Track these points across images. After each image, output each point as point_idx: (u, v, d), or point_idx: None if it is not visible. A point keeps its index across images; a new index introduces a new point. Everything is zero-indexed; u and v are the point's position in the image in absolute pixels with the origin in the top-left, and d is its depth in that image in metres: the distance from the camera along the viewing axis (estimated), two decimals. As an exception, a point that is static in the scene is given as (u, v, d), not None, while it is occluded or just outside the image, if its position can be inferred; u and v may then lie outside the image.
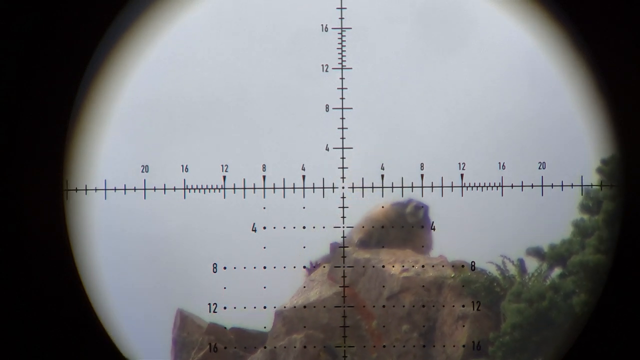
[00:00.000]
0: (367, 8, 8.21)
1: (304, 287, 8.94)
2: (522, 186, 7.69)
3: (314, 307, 8.69)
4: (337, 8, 7.62)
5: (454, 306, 8.56)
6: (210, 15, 8.18)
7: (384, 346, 8.57)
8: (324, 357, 8.34)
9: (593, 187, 7.79)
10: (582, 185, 7.83)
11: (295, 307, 8.79)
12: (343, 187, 8.32)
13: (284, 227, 8.35)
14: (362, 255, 8.84)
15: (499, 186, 7.66)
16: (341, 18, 7.63)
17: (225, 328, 8.96)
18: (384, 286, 8.70)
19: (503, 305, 8.36)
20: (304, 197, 8.33)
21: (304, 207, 8.87)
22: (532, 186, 7.74)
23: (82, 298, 5.40)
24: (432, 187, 7.81)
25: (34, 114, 5.29)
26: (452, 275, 8.71)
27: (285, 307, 8.84)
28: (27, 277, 5.27)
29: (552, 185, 7.84)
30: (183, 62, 8.59)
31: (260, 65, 8.60)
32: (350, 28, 7.67)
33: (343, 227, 8.41)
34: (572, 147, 7.98)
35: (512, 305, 8.21)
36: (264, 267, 8.65)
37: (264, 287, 8.60)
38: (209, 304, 8.84)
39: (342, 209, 8.19)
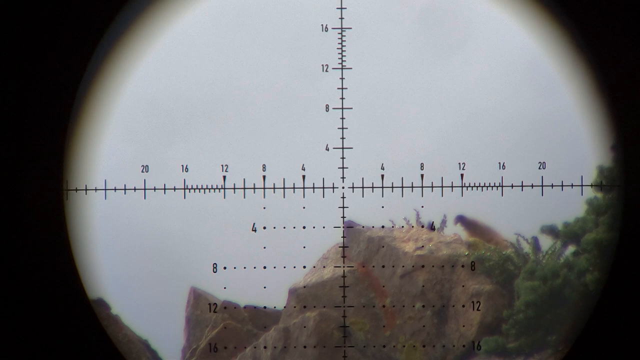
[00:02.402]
0: (367, 8, 8.21)
1: (320, 265, 8.93)
2: (522, 186, 7.70)
3: (328, 285, 8.68)
4: (337, 8, 7.63)
5: (467, 284, 8.55)
6: (210, 15, 8.18)
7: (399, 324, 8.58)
8: (337, 334, 8.33)
9: (593, 186, 7.79)
10: (582, 185, 7.83)
11: (309, 285, 8.77)
12: (343, 187, 8.32)
13: (284, 227, 8.35)
14: (376, 233, 8.83)
15: (499, 186, 7.66)
16: (341, 18, 7.63)
17: (239, 306, 8.95)
18: (397, 264, 8.70)
19: (517, 283, 8.34)
20: (304, 197, 8.33)
21: (304, 207, 8.87)
22: (532, 186, 7.74)
23: (82, 297, 5.40)
24: (432, 187, 7.81)
25: (34, 114, 5.29)
26: (466, 254, 8.70)
27: (299, 285, 8.83)
28: (27, 277, 5.27)
29: (552, 185, 7.84)
30: (183, 62, 8.59)
31: (260, 65, 8.60)
32: (350, 28, 7.68)
33: (343, 227, 8.41)
34: (572, 147, 7.98)
35: (526, 283, 8.19)
36: (264, 267, 8.66)
37: (264, 287, 8.61)
38: (209, 304, 8.85)
39: (342, 209, 8.19)
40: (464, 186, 7.72)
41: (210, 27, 8.40)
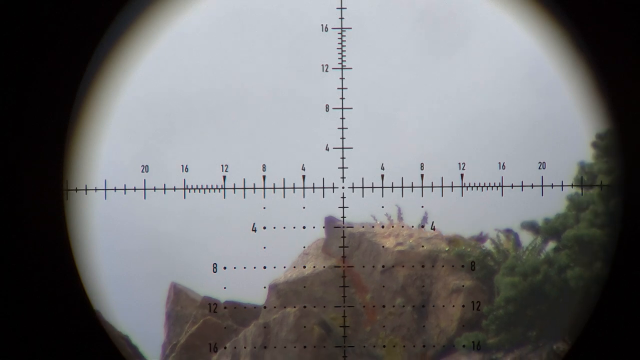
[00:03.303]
0: (367, 8, 8.22)
1: (299, 260, 8.92)
2: (522, 186, 7.69)
3: (309, 281, 8.68)
4: (337, 8, 7.62)
5: (448, 280, 8.55)
6: (210, 15, 8.18)
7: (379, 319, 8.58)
8: (318, 330, 8.32)
9: (593, 187, 7.79)
10: (581, 185, 7.83)
11: (289, 281, 8.76)
12: (343, 187, 8.32)
13: (284, 227, 8.35)
14: (357, 229, 8.82)
15: (499, 186, 7.65)
16: (341, 18, 7.63)
17: (219, 301, 8.93)
18: (378, 260, 8.69)
19: (497, 279, 8.33)
20: (304, 197, 8.33)
21: (304, 207, 8.87)
22: (532, 186, 7.74)
23: (82, 297, 5.40)
24: (432, 187, 7.81)
25: (34, 114, 5.29)
26: (447, 249, 8.71)
27: (279, 281, 8.81)
28: (27, 276, 5.28)
29: (552, 185, 7.83)
30: (183, 62, 8.59)
31: (260, 65, 8.60)
32: (350, 28, 7.67)
33: (343, 227, 8.41)
34: (572, 147, 7.98)
35: (506, 278, 8.17)
36: (264, 267, 8.66)
37: (264, 287, 8.61)
38: (209, 304, 8.84)
39: (342, 209, 8.19)
40: (464, 186, 7.72)
41: (210, 27, 8.41)
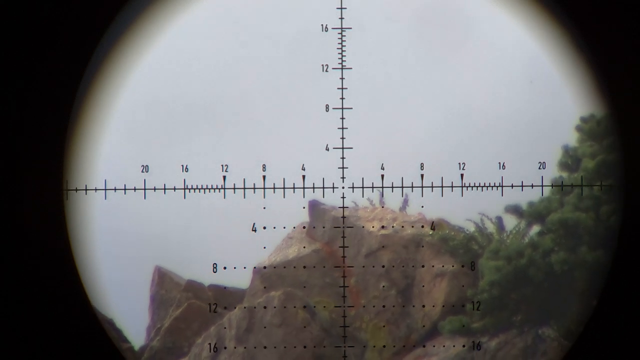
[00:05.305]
0: (367, 8, 8.21)
1: (283, 244, 8.89)
2: (522, 186, 7.69)
3: (293, 265, 8.66)
4: (337, 8, 7.62)
5: (432, 264, 8.54)
6: (210, 15, 8.18)
7: (363, 304, 8.56)
8: (302, 314, 8.30)
9: (593, 187, 7.79)
10: (581, 185, 7.83)
11: (273, 265, 8.74)
12: (343, 187, 8.31)
13: (284, 227, 8.36)
14: (340, 213, 8.78)
15: (499, 186, 7.65)
16: (341, 18, 7.63)
17: (203, 285, 8.91)
18: (362, 244, 8.68)
19: (481, 263, 8.29)
20: (304, 197, 8.32)
21: (304, 207, 8.87)
22: (532, 186, 7.74)
23: (82, 297, 5.40)
24: (432, 187, 7.81)
25: (34, 114, 5.29)
26: (431, 233, 8.69)
27: (263, 265, 8.78)
28: (27, 276, 5.27)
29: (552, 185, 7.84)
30: (183, 62, 8.59)
31: (260, 65, 8.60)
32: (350, 28, 7.67)
33: (343, 227, 8.41)
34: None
35: (490, 262, 8.12)
36: (264, 267, 8.66)
37: (264, 287, 8.60)
38: (209, 303, 8.84)
39: (342, 208, 8.19)
40: (464, 186, 7.72)
41: (210, 27, 8.41)
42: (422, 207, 8.74)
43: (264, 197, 7.73)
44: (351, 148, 8.22)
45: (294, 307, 8.31)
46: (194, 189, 7.62)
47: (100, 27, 5.33)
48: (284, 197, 7.75)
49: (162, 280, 9.23)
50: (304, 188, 7.86)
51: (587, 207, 7.69)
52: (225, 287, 8.92)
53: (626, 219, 5.35)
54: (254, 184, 7.70)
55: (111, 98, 6.25)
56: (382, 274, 8.57)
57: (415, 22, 8.54)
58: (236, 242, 8.30)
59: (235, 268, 8.61)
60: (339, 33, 7.68)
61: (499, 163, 7.71)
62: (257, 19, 8.55)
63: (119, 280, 8.36)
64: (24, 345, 5.25)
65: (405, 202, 8.59)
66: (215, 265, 8.54)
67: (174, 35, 7.37)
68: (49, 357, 5.29)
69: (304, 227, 8.98)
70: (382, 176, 8.12)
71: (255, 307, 8.44)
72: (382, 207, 8.81)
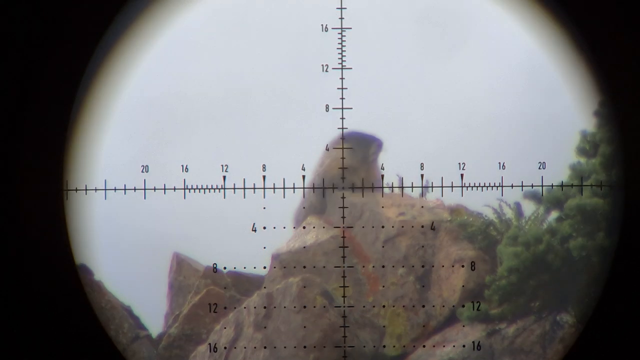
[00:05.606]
0: (367, 8, 8.21)
1: (303, 229, 8.86)
2: (522, 186, 7.69)
3: (311, 250, 8.63)
4: (337, 8, 7.62)
5: (450, 251, 8.51)
6: (210, 15, 8.18)
7: (382, 287, 8.54)
8: (320, 300, 8.28)
9: (593, 187, 7.78)
10: (581, 185, 7.83)
11: (292, 251, 8.71)
12: (343, 187, 8.31)
13: (284, 227, 8.35)
14: (359, 198, 8.75)
15: (499, 186, 7.65)
16: (341, 18, 7.63)
17: (222, 271, 8.88)
18: (380, 229, 8.65)
19: (499, 249, 8.24)
20: (304, 197, 8.33)
21: (304, 207, 8.87)
22: (532, 186, 7.74)
23: (82, 298, 5.40)
24: (432, 187, 7.81)
25: (34, 114, 5.29)
26: (449, 219, 8.66)
27: (282, 251, 8.77)
28: (27, 277, 5.27)
29: (552, 185, 7.83)
30: (183, 62, 8.59)
31: (260, 65, 8.60)
32: (350, 28, 7.67)
33: (343, 227, 8.41)
34: (572, 147, 7.97)
35: (509, 248, 8.07)
36: (264, 267, 8.65)
37: (264, 287, 8.60)
38: (209, 303, 8.84)
39: (342, 209, 8.19)
40: (464, 186, 7.71)
41: (210, 27, 8.40)
42: (422, 207, 8.74)
43: (264, 197, 7.73)
44: (351, 148, 8.22)
45: (313, 293, 8.29)
46: (194, 189, 7.62)
47: (100, 27, 5.33)
48: (284, 197, 7.75)
49: (180, 266, 9.22)
50: (303, 188, 7.86)
51: (605, 193, 7.66)
52: (244, 273, 8.91)
53: (627, 220, 5.35)
54: (254, 184, 7.70)
55: (111, 98, 6.25)
56: (400, 260, 8.54)
57: (416, 22, 8.54)
58: (236, 242, 8.30)
59: (235, 268, 8.61)
60: (339, 33, 7.68)
61: (499, 163, 7.71)
62: (257, 18, 8.55)
63: (118, 278, 8.36)
64: (24, 345, 5.25)
65: (426, 189, 8.52)
66: (215, 265, 8.54)
67: (173, 35, 7.37)
68: (49, 357, 5.28)
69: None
70: (382, 176, 8.12)
71: (273, 293, 8.42)
72: (402, 194, 8.75)
